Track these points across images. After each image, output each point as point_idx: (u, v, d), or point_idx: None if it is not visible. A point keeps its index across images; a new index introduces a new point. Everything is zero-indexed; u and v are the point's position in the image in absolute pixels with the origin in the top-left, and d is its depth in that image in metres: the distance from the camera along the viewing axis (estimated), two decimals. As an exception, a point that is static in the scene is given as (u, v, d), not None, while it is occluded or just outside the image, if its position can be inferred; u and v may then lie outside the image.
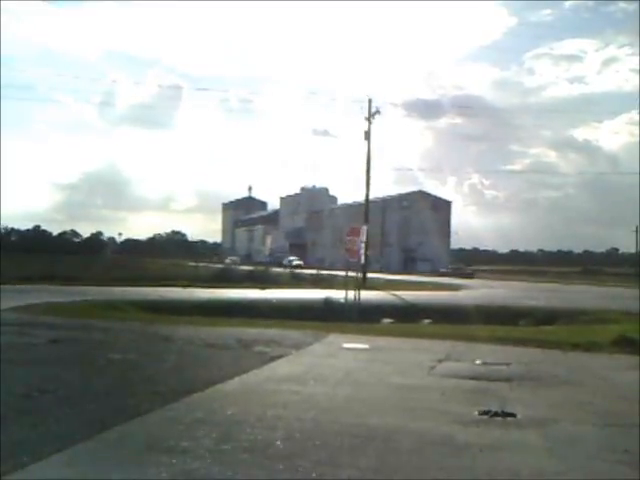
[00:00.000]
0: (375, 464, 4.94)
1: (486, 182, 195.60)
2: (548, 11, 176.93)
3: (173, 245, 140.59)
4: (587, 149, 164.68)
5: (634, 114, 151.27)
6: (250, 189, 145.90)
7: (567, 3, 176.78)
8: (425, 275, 61.45)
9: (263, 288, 28.33)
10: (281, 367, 9.28)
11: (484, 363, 9.81)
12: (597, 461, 5.13)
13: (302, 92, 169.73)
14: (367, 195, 36.14)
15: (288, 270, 38.50)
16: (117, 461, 4.87)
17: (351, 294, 22.02)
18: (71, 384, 7.53)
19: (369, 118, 34.69)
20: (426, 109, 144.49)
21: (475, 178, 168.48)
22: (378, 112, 34.43)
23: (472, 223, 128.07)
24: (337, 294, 24.43)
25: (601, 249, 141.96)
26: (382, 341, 12.55)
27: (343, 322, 17.78)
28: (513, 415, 6.41)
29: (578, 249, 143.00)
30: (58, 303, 18.21)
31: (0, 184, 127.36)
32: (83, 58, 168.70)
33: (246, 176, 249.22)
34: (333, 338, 12.70)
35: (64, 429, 5.61)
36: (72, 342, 11.22)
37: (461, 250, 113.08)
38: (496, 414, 6.40)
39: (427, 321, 20.20)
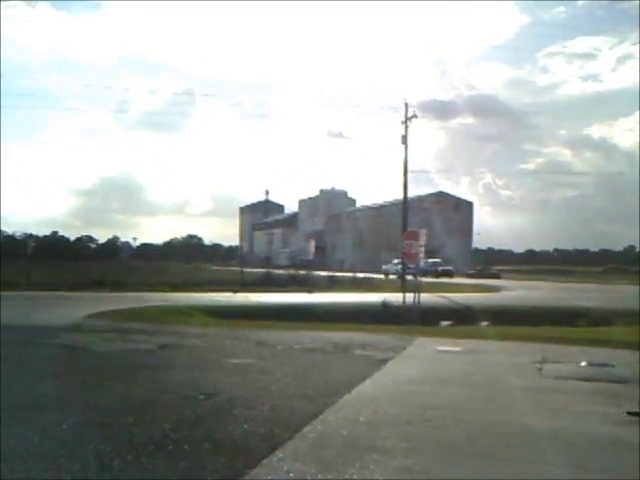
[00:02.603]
0: (569, 462, 5.32)
1: (500, 182, 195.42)
2: (561, 9, 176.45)
3: (190, 249, 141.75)
4: (602, 147, 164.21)
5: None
6: (267, 193, 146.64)
7: (580, 1, 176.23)
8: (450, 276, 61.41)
9: (310, 292, 28.80)
10: (398, 370, 9.69)
11: (590, 365, 10.16)
12: None
13: (315, 94, 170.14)
14: (405, 198, 36.46)
15: (330, 274, 38.89)
16: (335, 459, 5.27)
17: (404, 297, 22.46)
18: (224, 387, 7.94)
19: (405, 122, 35.09)
20: (439, 109, 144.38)
21: (489, 178, 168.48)
22: (415, 116, 34.86)
23: (487, 223, 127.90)
24: (382, 297, 24.95)
25: (618, 247, 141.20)
26: (469, 344, 12.90)
27: (407, 325, 18.21)
28: (662, 415, 6.76)
29: (594, 248, 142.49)
30: (131, 309, 18.70)
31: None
32: (97, 65, 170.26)
33: (261, 179, 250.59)
34: (421, 341, 13.11)
35: (259, 429, 6.04)
36: (180, 347, 11.68)
37: (476, 250, 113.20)
38: (645, 414, 6.76)
39: (485, 323, 20.49)
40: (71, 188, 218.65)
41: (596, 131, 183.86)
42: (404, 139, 34.61)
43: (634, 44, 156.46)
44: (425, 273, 47.57)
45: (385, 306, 21.54)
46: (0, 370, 8.80)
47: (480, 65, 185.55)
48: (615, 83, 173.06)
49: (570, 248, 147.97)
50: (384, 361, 10.36)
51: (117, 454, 5.12)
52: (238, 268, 48.82)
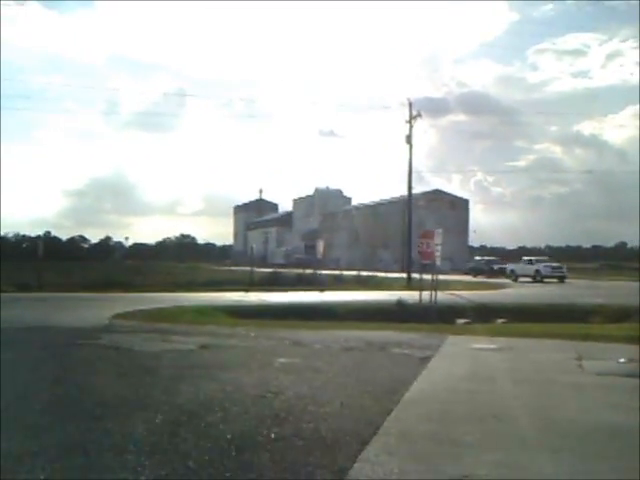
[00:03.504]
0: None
1: (492, 179, 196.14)
2: (550, 6, 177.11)
3: (183, 249, 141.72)
4: (593, 143, 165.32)
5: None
6: (261, 192, 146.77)
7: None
8: (448, 274, 61.71)
9: (322, 291, 28.98)
10: (444, 368, 9.85)
11: (629, 361, 10.36)
12: None
13: (306, 93, 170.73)
14: (410, 197, 36.69)
15: (335, 272, 39.13)
16: (427, 454, 5.45)
17: (420, 295, 22.64)
18: (284, 385, 8.05)
19: (410, 121, 35.27)
20: (430, 107, 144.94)
21: (480, 175, 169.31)
22: (419, 115, 35.02)
23: (479, 220, 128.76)
24: (391, 295, 25.27)
25: (609, 243, 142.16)
26: (501, 341, 13.02)
27: (426, 323, 18.37)
28: None
29: (586, 244, 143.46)
30: (152, 310, 18.79)
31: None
32: (87, 64, 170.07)
33: (254, 178, 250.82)
34: (453, 339, 13.28)
35: (341, 425, 6.19)
36: (220, 348, 11.79)
37: (470, 248, 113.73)
38: None
39: (501, 320, 20.74)
40: (62, 188, 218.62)
41: (586, 128, 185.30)
42: (408, 139, 34.82)
43: (623, 41, 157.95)
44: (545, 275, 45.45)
45: (401, 304, 21.71)
46: (63, 371, 8.94)
47: (470, 62, 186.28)
48: (605, 80, 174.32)
49: (562, 244, 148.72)
50: (426, 359, 10.52)
51: (220, 450, 5.27)
52: (235, 267, 48.95)
